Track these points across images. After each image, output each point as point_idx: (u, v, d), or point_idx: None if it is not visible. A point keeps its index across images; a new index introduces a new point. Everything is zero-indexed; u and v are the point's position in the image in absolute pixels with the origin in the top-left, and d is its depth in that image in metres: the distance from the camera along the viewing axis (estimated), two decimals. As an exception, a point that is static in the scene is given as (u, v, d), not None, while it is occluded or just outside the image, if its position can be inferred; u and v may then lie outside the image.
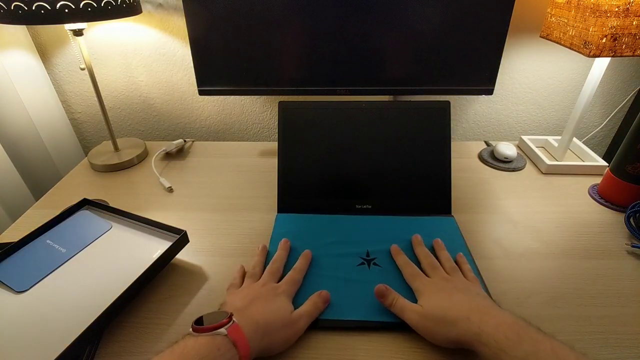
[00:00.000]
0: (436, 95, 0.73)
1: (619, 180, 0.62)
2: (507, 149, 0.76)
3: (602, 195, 0.66)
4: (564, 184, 0.70)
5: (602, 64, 0.64)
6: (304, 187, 0.61)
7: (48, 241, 0.53)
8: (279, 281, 0.46)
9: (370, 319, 0.43)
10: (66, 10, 0.55)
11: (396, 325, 0.42)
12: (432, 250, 0.52)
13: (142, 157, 0.80)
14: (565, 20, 0.62)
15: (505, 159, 0.76)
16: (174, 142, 0.82)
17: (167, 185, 0.70)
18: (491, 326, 0.35)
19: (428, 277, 0.46)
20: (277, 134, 0.68)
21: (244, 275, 0.48)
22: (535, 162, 0.77)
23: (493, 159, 0.77)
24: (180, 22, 0.80)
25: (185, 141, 0.85)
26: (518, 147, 0.83)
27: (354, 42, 0.66)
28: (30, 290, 0.45)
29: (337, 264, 0.50)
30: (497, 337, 0.34)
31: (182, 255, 0.54)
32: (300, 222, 0.58)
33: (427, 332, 0.40)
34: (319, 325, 0.43)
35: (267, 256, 0.52)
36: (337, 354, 0.41)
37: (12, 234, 0.59)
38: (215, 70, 0.70)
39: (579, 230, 0.59)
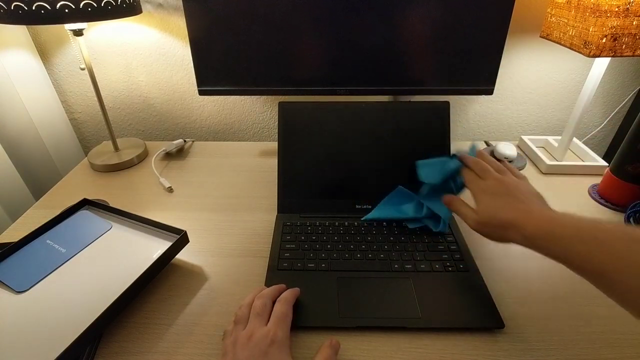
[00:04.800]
0: (436, 95, 0.73)
1: (619, 180, 0.62)
2: (507, 149, 0.76)
3: (602, 195, 0.66)
4: (564, 184, 0.70)
5: (602, 64, 0.64)
6: (304, 187, 0.61)
7: (48, 241, 0.53)
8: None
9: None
10: (66, 10, 0.55)
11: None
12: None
13: (142, 157, 0.80)
14: (565, 20, 0.62)
15: (505, 159, 0.76)
16: (174, 142, 0.82)
17: (167, 185, 0.70)
18: (532, 228, 0.37)
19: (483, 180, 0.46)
20: (277, 134, 0.68)
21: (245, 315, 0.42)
22: (536, 162, 0.77)
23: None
24: (180, 22, 0.80)
25: (185, 141, 0.85)
26: (518, 147, 0.83)
27: (354, 42, 0.66)
28: (30, 290, 0.45)
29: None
30: (538, 240, 0.37)
31: (182, 255, 0.54)
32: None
33: (486, 235, 0.43)
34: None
35: None
36: (338, 354, 0.41)
37: (12, 234, 0.59)
38: (215, 70, 0.70)
39: (579, 230, 0.59)
